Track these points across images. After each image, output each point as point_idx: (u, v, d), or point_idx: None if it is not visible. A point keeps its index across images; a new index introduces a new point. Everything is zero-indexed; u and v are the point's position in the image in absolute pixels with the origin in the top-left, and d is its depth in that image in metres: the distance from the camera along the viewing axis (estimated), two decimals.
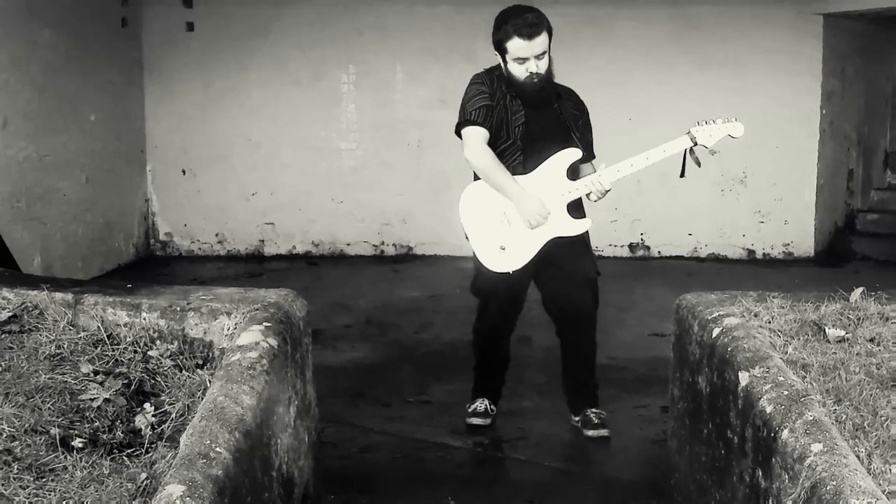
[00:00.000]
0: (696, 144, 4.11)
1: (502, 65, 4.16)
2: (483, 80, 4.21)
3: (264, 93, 8.74)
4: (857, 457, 2.32)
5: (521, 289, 4.33)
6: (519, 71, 4.09)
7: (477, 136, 4.14)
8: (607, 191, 4.15)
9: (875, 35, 9.13)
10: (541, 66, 4.08)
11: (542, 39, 4.05)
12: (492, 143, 4.16)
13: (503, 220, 4.14)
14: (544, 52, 4.08)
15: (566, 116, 4.24)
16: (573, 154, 4.16)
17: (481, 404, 4.56)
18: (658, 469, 3.92)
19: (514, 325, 4.49)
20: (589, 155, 4.28)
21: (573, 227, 4.18)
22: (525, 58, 4.05)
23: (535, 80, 4.09)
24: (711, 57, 8.56)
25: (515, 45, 4.04)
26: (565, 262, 4.24)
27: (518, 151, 4.17)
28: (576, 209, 4.21)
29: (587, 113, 4.37)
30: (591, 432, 4.41)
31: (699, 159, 4.13)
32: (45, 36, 7.00)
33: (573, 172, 4.19)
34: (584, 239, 4.31)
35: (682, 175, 4.19)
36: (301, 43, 8.67)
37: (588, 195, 4.17)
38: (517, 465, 4.21)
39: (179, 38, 8.64)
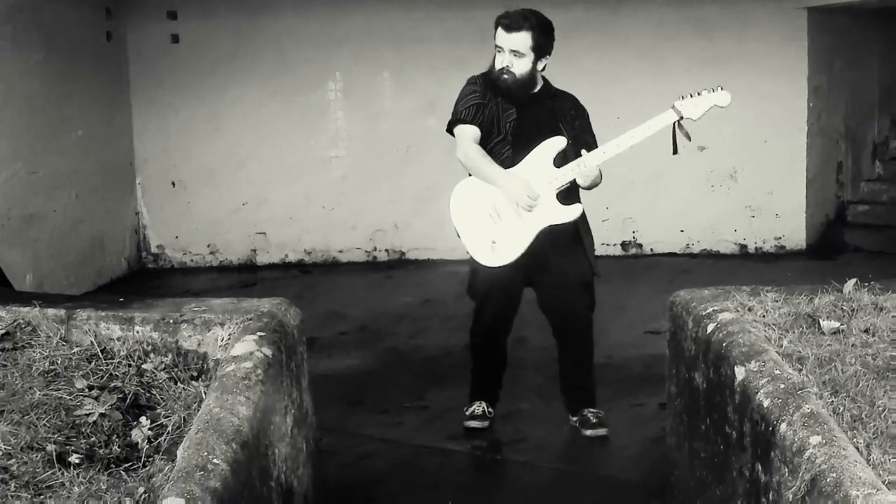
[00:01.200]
0: (682, 118, 4.08)
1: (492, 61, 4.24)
2: (477, 81, 4.27)
3: (251, 103, 8.73)
4: (856, 448, 2.32)
5: (517, 290, 4.33)
6: (498, 61, 4.18)
7: (467, 133, 4.19)
8: (597, 182, 4.13)
9: (860, 27, 9.16)
10: (515, 66, 4.13)
11: (520, 37, 4.09)
12: (483, 141, 4.19)
13: (493, 214, 4.13)
14: (522, 54, 4.11)
15: (559, 114, 4.24)
16: (559, 142, 4.16)
17: (478, 407, 4.56)
18: (657, 467, 3.91)
19: (510, 326, 4.49)
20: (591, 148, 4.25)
21: (564, 214, 4.16)
22: (501, 48, 4.14)
23: (506, 75, 4.14)
24: (699, 55, 8.57)
25: (498, 34, 4.15)
26: (560, 264, 4.24)
27: (507, 146, 4.19)
28: (567, 198, 4.19)
29: (586, 116, 4.36)
30: (589, 432, 4.41)
31: (689, 133, 4.08)
32: (31, 52, 6.98)
33: (563, 162, 4.17)
34: (581, 240, 4.29)
35: (675, 152, 4.15)
36: (287, 52, 8.66)
37: (577, 181, 4.14)
38: (517, 468, 4.21)
39: (165, 51, 8.62)
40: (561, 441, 4.47)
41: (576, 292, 4.31)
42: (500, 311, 4.35)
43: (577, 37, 8.38)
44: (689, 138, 4.08)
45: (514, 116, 4.19)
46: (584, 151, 4.15)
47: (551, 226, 4.13)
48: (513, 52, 4.11)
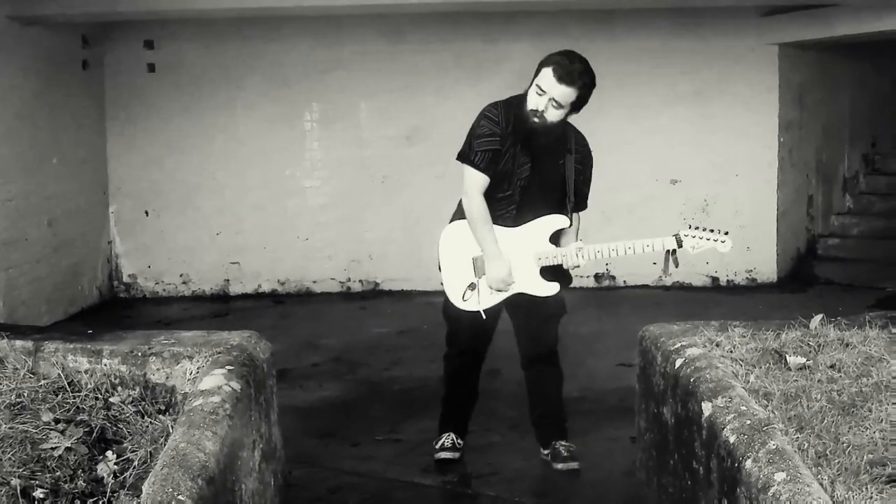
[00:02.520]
0: (680, 246, 4.12)
1: (528, 88, 4.06)
2: (498, 116, 4.10)
3: (227, 132, 8.73)
4: (821, 484, 2.33)
5: (491, 317, 4.34)
6: (533, 101, 4.00)
7: (477, 182, 4.11)
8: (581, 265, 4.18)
9: (830, 63, 9.30)
10: (550, 114, 4.00)
11: (569, 91, 3.96)
12: (490, 190, 4.13)
13: (477, 265, 4.20)
14: (563, 107, 4.00)
15: (568, 175, 4.22)
16: (560, 221, 4.20)
17: (447, 439, 4.55)
18: (627, 502, 3.91)
19: (483, 353, 4.50)
20: (580, 206, 4.31)
21: (541, 289, 4.21)
22: (544, 91, 3.97)
23: (537, 119, 4.00)
24: (674, 90, 8.67)
25: (545, 76, 3.96)
26: (534, 304, 4.27)
27: (513, 205, 4.18)
28: (550, 270, 4.22)
29: (590, 167, 4.35)
30: (560, 465, 4.40)
31: (678, 261, 4.12)
32: (6, 79, 6.96)
33: (556, 235, 4.22)
34: (562, 276, 4.31)
35: (664, 272, 4.20)
36: (264, 82, 8.69)
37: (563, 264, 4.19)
38: (488, 502, 4.19)
39: (141, 80, 8.62)
40: (532, 474, 4.46)
41: (544, 322, 4.35)
42: (474, 334, 4.37)
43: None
44: (676, 265, 4.12)
45: (527, 174, 4.12)
46: (581, 215, 4.29)
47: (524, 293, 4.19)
48: (553, 101, 3.98)
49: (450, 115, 8.57)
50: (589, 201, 4.38)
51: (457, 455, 4.53)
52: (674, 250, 4.11)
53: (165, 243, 8.82)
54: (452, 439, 4.55)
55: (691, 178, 8.82)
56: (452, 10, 7.81)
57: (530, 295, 4.22)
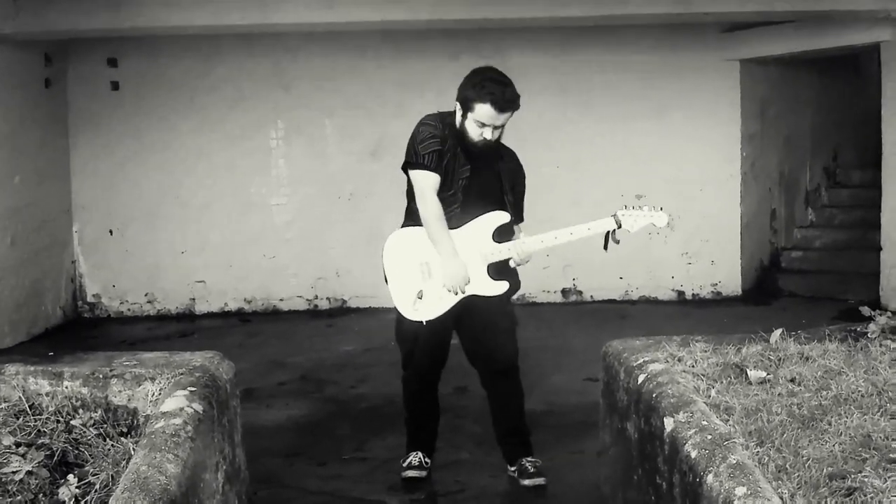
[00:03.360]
0: (619, 227, 4.21)
1: (458, 117, 4.16)
2: (436, 124, 4.19)
3: (192, 150, 8.69)
4: (781, 498, 2.36)
5: (444, 336, 4.34)
6: (474, 132, 4.11)
7: (430, 183, 4.14)
8: (527, 259, 4.21)
9: (792, 78, 9.43)
10: (494, 135, 4.13)
11: (506, 116, 4.09)
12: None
13: (424, 270, 4.17)
14: (501, 128, 4.13)
15: (504, 179, 4.29)
16: (501, 217, 4.23)
17: (415, 457, 4.54)
18: None
19: (439, 372, 4.49)
20: (518, 218, 4.36)
21: (490, 288, 4.22)
22: (486, 125, 4.08)
23: (481, 145, 4.13)
24: (636, 104, 8.75)
25: (484, 111, 4.05)
26: (483, 312, 4.27)
27: (457, 204, 4.21)
28: (496, 270, 4.25)
29: (524, 177, 4.43)
30: (527, 482, 4.40)
31: (619, 240, 4.26)
32: None
33: (499, 234, 4.24)
34: (506, 295, 4.32)
35: (605, 249, 4.31)
36: (228, 99, 8.66)
37: (509, 260, 4.22)
38: None
39: (105, 98, 8.57)
40: (499, 491, 4.46)
41: (500, 338, 4.35)
42: (428, 354, 4.37)
43: (520, 83, 8.50)
44: (617, 243, 4.27)
45: (468, 174, 4.19)
46: (521, 227, 4.32)
47: (475, 296, 4.19)
48: (497, 128, 4.11)
49: (412, 129, 8.59)
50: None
51: (423, 473, 4.52)
52: (614, 230, 4.23)
53: (130, 262, 8.75)
54: (420, 458, 4.55)
55: (655, 193, 8.87)
56: (416, 27, 7.84)
57: (478, 304, 4.21)
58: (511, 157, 4.40)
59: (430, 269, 4.16)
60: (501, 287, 4.22)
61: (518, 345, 4.45)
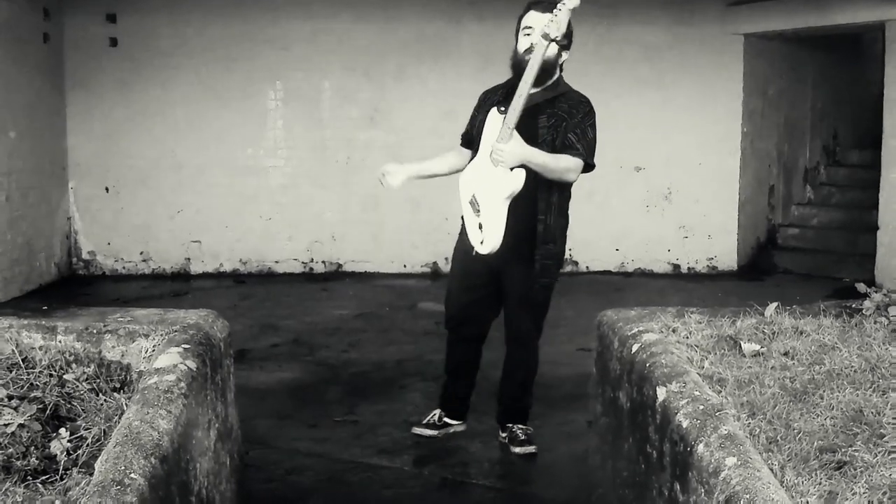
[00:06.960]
0: (553, 40, 4.04)
1: (514, 47, 4.19)
2: (481, 97, 4.43)
3: (190, 109, 8.65)
4: (771, 469, 2.36)
5: (477, 288, 4.40)
6: (522, 43, 4.17)
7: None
8: (548, 165, 4.14)
9: (795, 55, 9.39)
10: (537, 41, 4.02)
11: (549, 17, 4.00)
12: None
13: (473, 203, 4.19)
14: (549, 39, 4.00)
15: (546, 128, 4.21)
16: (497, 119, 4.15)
17: (434, 416, 4.65)
18: (582, 485, 3.94)
19: (474, 332, 4.53)
20: (574, 152, 4.24)
21: (511, 181, 4.09)
22: (531, 28, 4.13)
23: (529, 56, 4.04)
24: (638, 77, 8.71)
25: (529, 16, 4.18)
26: (510, 283, 4.32)
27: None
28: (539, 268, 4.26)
29: (584, 114, 4.33)
30: (517, 449, 4.43)
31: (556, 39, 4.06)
32: None
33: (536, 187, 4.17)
34: (533, 270, 4.28)
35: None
36: (227, 59, 8.61)
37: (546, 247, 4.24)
38: (443, 485, 4.20)
39: (103, 54, 8.51)
40: (490, 457, 4.48)
41: (517, 309, 4.37)
42: (457, 298, 4.44)
43: None
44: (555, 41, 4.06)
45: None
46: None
47: (511, 195, 4.09)
48: (544, 36, 4.00)
49: (411, 95, 8.56)
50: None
51: (433, 433, 4.58)
52: (551, 43, 4.03)
53: (125, 220, 8.73)
54: (437, 416, 4.61)
55: (655, 166, 8.88)
56: None
57: (514, 276, 4.26)
58: (568, 98, 4.33)
59: (477, 200, 4.17)
60: (518, 175, 4.10)
61: (539, 325, 4.47)
